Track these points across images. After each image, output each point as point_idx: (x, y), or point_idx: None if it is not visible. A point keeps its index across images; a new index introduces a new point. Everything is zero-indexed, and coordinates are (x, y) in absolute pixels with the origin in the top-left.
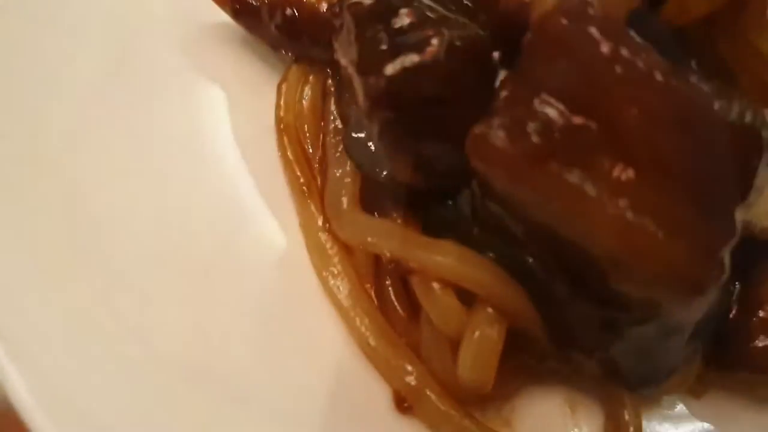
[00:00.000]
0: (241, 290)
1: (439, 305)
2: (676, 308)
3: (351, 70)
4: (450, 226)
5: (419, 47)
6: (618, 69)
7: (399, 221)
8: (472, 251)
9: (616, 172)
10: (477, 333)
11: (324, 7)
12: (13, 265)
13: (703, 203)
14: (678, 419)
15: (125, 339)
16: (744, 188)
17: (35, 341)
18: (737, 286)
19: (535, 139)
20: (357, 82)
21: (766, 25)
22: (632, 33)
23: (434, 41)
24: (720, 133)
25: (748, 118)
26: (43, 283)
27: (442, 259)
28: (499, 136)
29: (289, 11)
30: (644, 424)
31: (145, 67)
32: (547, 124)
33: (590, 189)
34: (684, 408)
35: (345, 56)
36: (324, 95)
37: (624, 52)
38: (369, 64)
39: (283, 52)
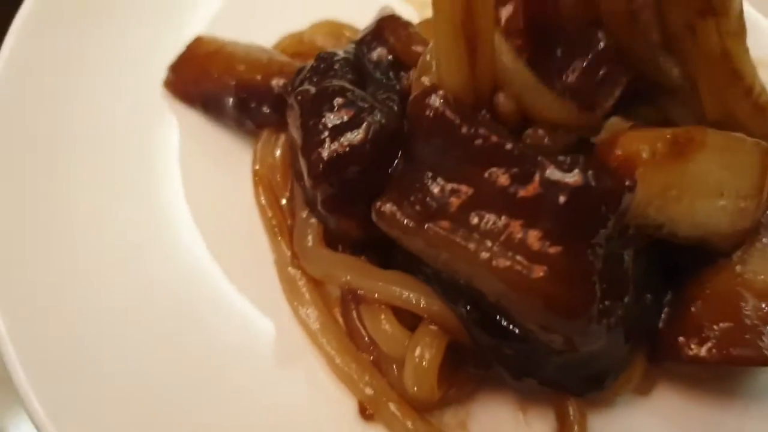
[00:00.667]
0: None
1: (383, 333)
2: (574, 336)
3: (297, 149)
4: (403, 263)
5: (350, 133)
6: (475, 142)
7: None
8: (414, 278)
9: (485, 224)
10: (417, 351)
11: (276, 82)
12: None
13: (564, 243)
14: (625, 417)
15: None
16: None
17: None
18: (669, 293)
19: (417, 206)
20: (302, 162)
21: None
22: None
23: (362, 128)
24: (570, 188)
25: (591, 180)
26: None
27: (387, 285)
28: (391, 208)
29: (241, 93)
30: (593, 423)
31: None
32: (425, 192)
33: (467, 241)
34: (631, 406)
35: (293, 133)
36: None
37: (475, 129)
38: (310, 149)
39: (246, 125)
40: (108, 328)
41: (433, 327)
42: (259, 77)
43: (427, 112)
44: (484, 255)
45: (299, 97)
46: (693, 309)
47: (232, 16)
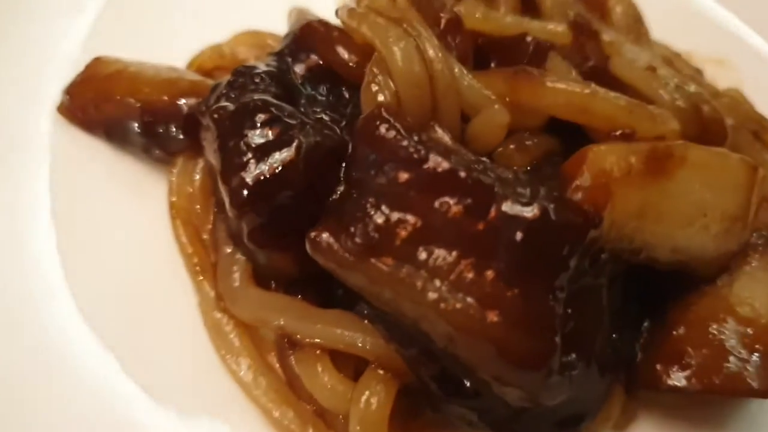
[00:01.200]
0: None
1: (320, 385)
2: (533, 390)
3: (216, 176)
4: (344, 301)
5: (279, 152)
6: (422, 169)
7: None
8: (357, 318)
9: (434, 260)
10: (363, 399)
11: (185, 102)
12: None
13: (521, 284)
14: None
15: None
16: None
17: None
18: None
19: (357, 237)
20: (223, 190)
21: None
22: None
23: (292, 146)
24: (527, 222)
25: (552, 209)
26: None
27: (327, 327)
28: (327, 239)
29: (146, 116)
30: None
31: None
32: (368, 221)
33: (413, 279)
34: None
35: (211, 157)
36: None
37: (426, 152)
38: (231, 174)
39: (155, 153)
40: None
41: (380, 371)
42: (165, 97)
43: (378, 132)
44: (432, 295)
45: (215, 115)
46: (674, 335)
47: (136, 34)
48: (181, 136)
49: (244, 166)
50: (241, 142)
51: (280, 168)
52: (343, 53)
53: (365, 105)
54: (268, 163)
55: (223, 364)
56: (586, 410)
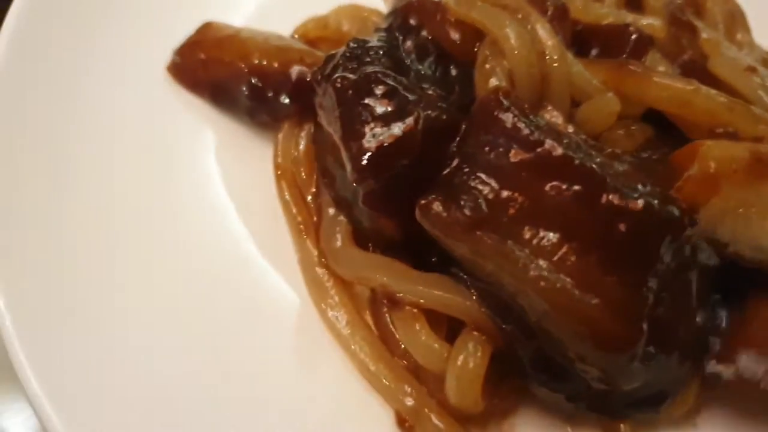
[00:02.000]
0: (244, 322)
1: (419, 343)
2: (612, 371)
3: (337, 141)
4: (438, 267)
5: (399, 123)
6: (536, 152)
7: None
8: (453, 282)
9: (538, 240)
10: (460, 359)
11: (296, 70)
12: None
13: (619, 272)
14: None
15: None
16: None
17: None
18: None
19: (467, 210)
20: (344, 155)
21: None
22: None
23: (411, 118)
24: (632, 215)
25: (656, 204)
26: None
27: (428, 288)
28: (438, 207)
29: (255, 80)
30: None
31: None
32: (478, 196)
33: (517, 255)
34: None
35: (329, 125)
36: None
37: (543, 137)
38: (353, 142)
39: (260, 117)
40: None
41: (476, 333)
42: (276, 64)
43: (495, 113)
44: (533, 273)
45: (337, 84)
46: (750, 328)
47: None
48: (288, 103)
49: (365, 134)
50: (363, 111)
51: (400, 137)
52: (453, 31)
53: (479, 84)
54: (388, 132)
55: (322, 318)
56: (666, 393)
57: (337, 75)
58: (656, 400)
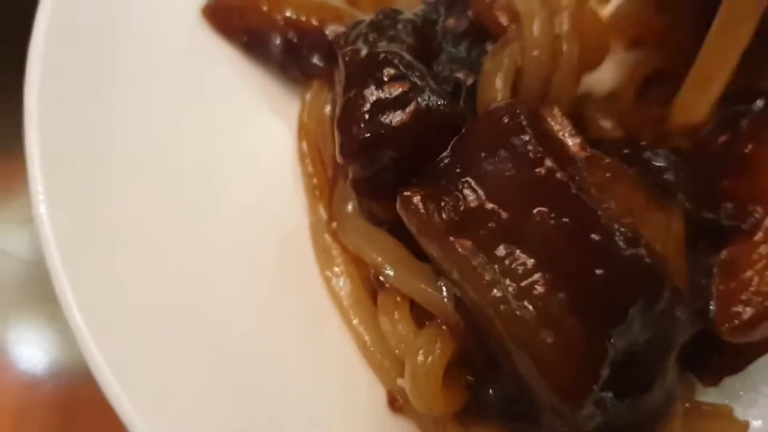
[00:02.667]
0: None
1: (394, 333)
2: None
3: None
4: None
5: (394, 112)
6: (533, 171)
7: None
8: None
9: (511, 261)
10: (420, 351)
11: (332, 29)
12: None
13: (584, 318)
14: None
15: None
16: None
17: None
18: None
19: (445, 212)
20: (336, 134)
21: None
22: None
23: (408, 109)
24: (626, 267)
25: (647, 258)
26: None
27: (412, 278)
28: (418, 202)
29: (291, 34)
30: None
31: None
32: (461, 201)
33: (484, 271)
34: None
35: (336, 94)
36: None
37: (547, 162)
38: (345, 124)
39: (292, 72)
40: None
41: (444, 328)
42: (314, 21)
43: (502, 121)
44: (496, 293)
45: (347, 57)
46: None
47: None
48: (321, 63)
49: (359, 118)
50: (363, 92)
51: (391, 128)
52: (500, 13)
53: (485, 78)
54: (381, 121)
55: (326, 285)
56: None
57: (351, 47)
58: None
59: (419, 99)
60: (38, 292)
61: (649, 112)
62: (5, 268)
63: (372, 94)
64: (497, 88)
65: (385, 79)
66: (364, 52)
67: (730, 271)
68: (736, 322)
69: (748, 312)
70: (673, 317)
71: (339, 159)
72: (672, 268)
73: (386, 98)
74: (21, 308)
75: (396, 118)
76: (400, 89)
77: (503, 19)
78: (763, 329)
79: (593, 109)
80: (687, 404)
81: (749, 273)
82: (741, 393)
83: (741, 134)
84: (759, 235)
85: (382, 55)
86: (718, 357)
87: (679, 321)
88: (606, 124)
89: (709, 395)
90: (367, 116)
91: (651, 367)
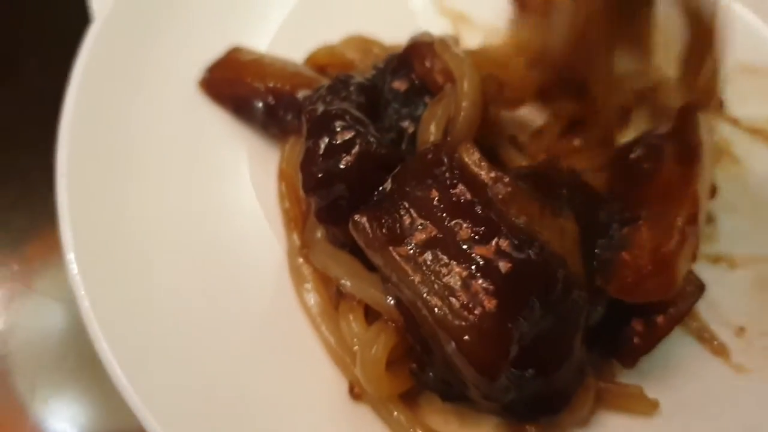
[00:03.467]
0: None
1: (349, 330)
2: (479, 385)
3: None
4: None
5: (342, 155)
6: (453, 193)
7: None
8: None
9: (436, 263)
10: (368, 341)
11: (302, 94)
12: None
13: (497, 306)
14: None
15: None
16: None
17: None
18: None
19: (385, 228)
20: (300, 175)
21: None
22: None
23: (353, 152)
24: (515, 261)
25: (541, 256)
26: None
27: (365, 286)
28: (364, 222)
29: (270, 99)
30: None
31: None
32: (398, 219)
33: (414, 273)
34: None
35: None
36: None
37: (460, 186)
38: (305, 166)
39: (272, 130)
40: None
41: (390, 323)
42: (288, 87)
43: (427, 157)
44: (423, 288)
45: (307, 115)
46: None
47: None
48: (295, 120)
49: (315, 161)
50: (318, 141)
51: (340, 167)
52: (437, 75)
53: (423, 125)
54: (332, 162)
55: (298, 298)
56: (562, 400)
57: (310, 107)
58: (554, 406)
59: (362, 144)
60: (74, 365)
61: (570, 144)
62: (40, 342)
63: (325, 142)
64: (431, 132)
65: (336, 130)
66: (320, 110)
67: (622, 252)
68: (622, 283)
69: (630, 276)
70: (571, 300)
71: (302, 194)
72: (569, 262)
73: (336, 144)
74: (55, 381)
75: (344, 159)
76: (347, 137)
77: (440, 79)
78: (641, 290)
79: (509, 144)
80: (603, 384)
81: (635, 251)
82: (655, 375)
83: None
84: (644, 229)
85: (333, 112)
86: (633, 340)
87: (578, 303)
88: (516, 155)
89: (631, 378)
90: (321, 159)
91: (558, 346)
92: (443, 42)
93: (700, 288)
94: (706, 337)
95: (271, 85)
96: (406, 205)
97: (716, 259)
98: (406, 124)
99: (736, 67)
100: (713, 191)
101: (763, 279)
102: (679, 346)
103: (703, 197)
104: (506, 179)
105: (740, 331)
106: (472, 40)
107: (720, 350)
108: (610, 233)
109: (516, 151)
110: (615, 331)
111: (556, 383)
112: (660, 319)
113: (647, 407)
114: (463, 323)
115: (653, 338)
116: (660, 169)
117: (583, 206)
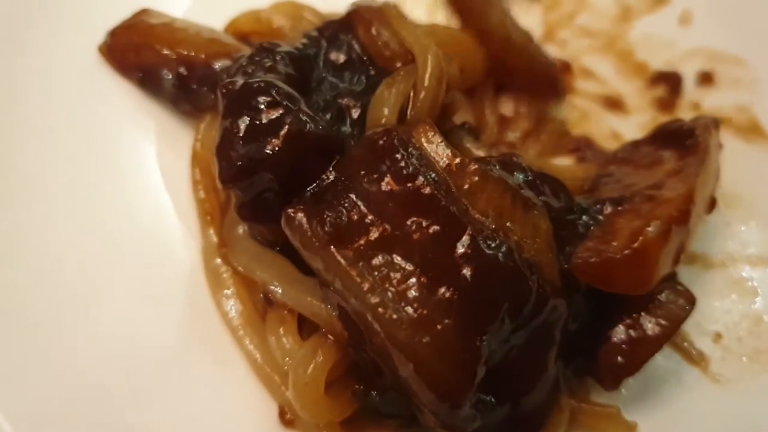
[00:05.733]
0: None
1: (278, 345)
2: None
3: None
4: None
5: (268, 137)
6: (410, 185)
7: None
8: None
9: (388, 268)
10: (302, 359)
11: (220, 65)
12: None
13: (458, 318)
14: None
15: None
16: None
17: None
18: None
19: (327, 225)
20: (215, 163)
21: None
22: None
23: (281, 133)
24: (493, 269)
25: (511, 261)
26: None
27: (299, 293)
28: (301, 218)
29: (182, 69)
30: None
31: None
32: (342, 215)
33: (363, 279)
34: None
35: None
36: None
37: (418, 178)
38: (222, 152)
39: (183, 106)
40: None
41: (330, 338)
42: (203, 56)
43: (381, 143)
44: (374, 299)
45: (223, 90)
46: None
47: None
48: (211, 95)
49: (234, 145)
50: (238, 121)
51: (266, 152)
52: (384, 46)
53: (375, 106)
54: (255, 147)
55: (217, 307)
56: (532, 427)
57: (227, 80)
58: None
59: (293, 123)
60: None
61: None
62: None
63: (246, 122)
64: (385, 113)
65: (260, 107)
66: (239, 83)
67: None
68: (587, 263)
69: (593, 258)
70: (546, 312)
71: (219, 185)
72: (544, 266)
73: (260, 124)
74: None
75: (270, 143)
76: (274, 115)
77: (387, 52)
78: (612, 276)
79: (464, 132)
80: (578, 403)
81: (610, 233)
82: (631, 390)
83: None
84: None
85: (255, 85)
86: (616, 360)
87: (553, 315)
88: (471, 144)
89: (606, 395)
90: (241, 143)
91: (532, 365)
92: (397, 10)
93: (690, 301)
94: (683, 347)
95: (183, 53)
96: (353, 199)
97: (691, 260)
98: (345, 101)
99: None
100: (712, 205)
101: (739, 280)
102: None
103: (699, 202)
104: (473, 166)
105: (717, 337)
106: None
107: (698, 359)
108: (588, 215)
109: (472, 139)
110: (593, 346)
111: (528, 406)
112: (646, 333)
113: (625, 429)
114: (423, 340)
115: (639, 357)
116: (660, 158)
117: (554, 196)
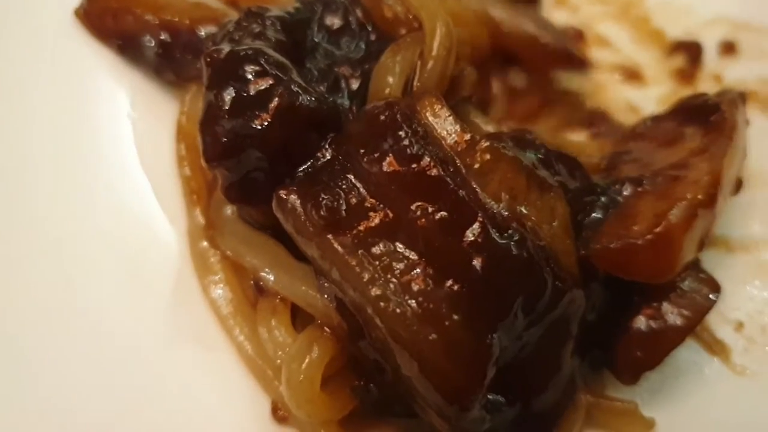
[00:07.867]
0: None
1: (270, 338)
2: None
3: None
4: None
5: (256, 110)
6: (411, 167)
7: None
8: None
9: (391, 257)
10: (296, 354)
11: (203, 31)
12: None
13: (468, 314)
14: None
15: None
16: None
17: None
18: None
19: (323, 209)
20: (200, 139)
21: None
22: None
23: (271, 106)
24: (505, 260)
25: (525, 252)
26: None
27: (293, 281)
28: (294, 201)
29: (164, 35)
30: None
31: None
32: (340, 198)
33: (362, 269)
34: None
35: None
36: None
37: (424, 158)
38: (206, 127)
39: (167, 75)
40: None
41: (326, 330)
42: (187, 21)
43: (383, 118)
44: (375, 291)
45: (207, 59)
46: None
47: None
48: (197, 64)
49: (220, 119)
50: (223, 93)
51: (254, 128)
52: (388, 10)
53: (378, 75)
54: (242, 121)
55: (204, 293)
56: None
57: (212, 48)
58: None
59: (284, 95)
60: None
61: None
62: None
63: (232, 94)
64: (389, 83)
65: (247, 77)
66: (225, 51)
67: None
68: (607, 249)
69: (613, 244)
70: (562, 305)
71: (204, 164)
72: (560, 250)
73: (247, 96)
74: None
75: (258, 116)
76: (263, 86)
77: (390, 15)
78: (633, 263)
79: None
80: (594, 399)
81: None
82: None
83: None
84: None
85: (242, 53)
86: (636, 353)
87: (570, 308)
88: (480, 119)
89: (622, 389)
90: (227, 117)
91: (546, 362)
92: None
93: (715, 290)
94: (704, 336)
95: (166, 18)
96: (351, 180)
97: (711, 243)
98: (342, 69)
99: None
100: (738, 185)
101: (763, 264)
102: None
103: (725, 184)
104: (485, 143)
105: (739, 326)
106: None
107: (720, 349)
108: (606, 196)
109: (480, 113)
110: (611, 338)
111: (541, 405)
112: (668, 325)
113: (642, 427)
114: (430, 337)
115: (660, 350)
116: (682, 135)
117: (570, 176)
